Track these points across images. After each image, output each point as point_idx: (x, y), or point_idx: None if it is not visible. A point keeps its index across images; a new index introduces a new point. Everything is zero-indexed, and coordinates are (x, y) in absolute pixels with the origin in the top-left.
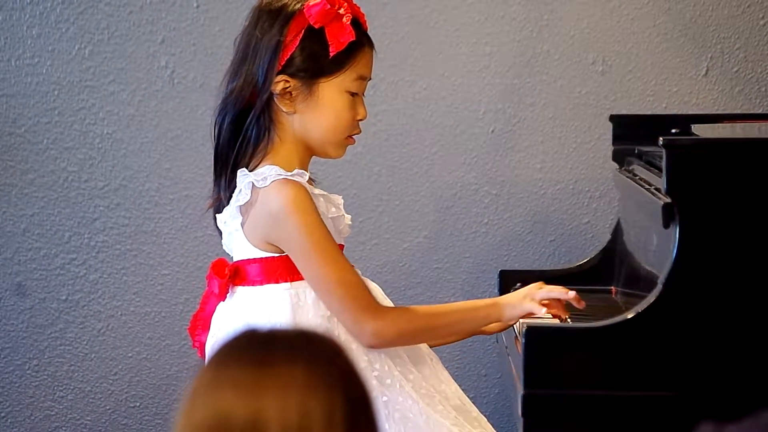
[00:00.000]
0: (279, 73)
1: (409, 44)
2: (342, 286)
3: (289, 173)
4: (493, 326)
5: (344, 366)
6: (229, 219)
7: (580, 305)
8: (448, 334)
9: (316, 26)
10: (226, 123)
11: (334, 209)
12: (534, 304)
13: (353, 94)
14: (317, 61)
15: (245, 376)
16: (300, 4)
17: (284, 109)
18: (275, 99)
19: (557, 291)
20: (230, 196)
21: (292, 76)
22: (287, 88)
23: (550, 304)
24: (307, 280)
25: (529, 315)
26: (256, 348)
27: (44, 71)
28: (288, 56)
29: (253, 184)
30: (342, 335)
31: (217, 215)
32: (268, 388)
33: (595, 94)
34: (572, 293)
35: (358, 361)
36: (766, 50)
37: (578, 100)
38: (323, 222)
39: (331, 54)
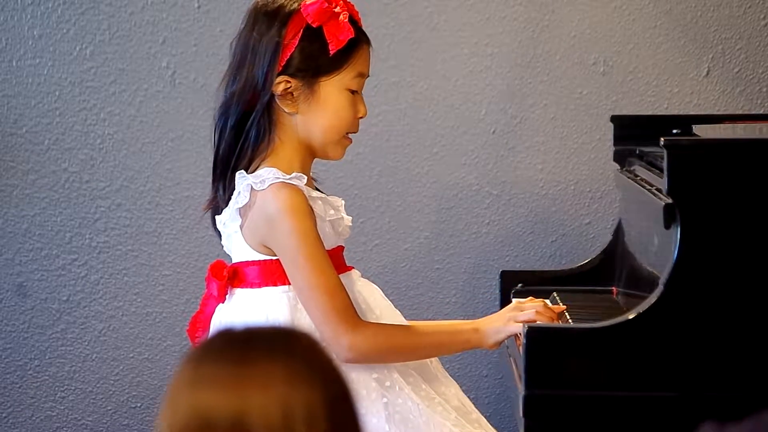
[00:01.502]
0: (279, 74)
1: (410, 45)
2: (325, 295)
3: (287, 176)
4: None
5: (323, 362)
6: (228, 221)
7: (559, 309)
8: (426, 355)
9: (314, 25)
10: (228, 127)
11: (332, 211)
12: (519, 325)
13: (353, 92)
14: (317, 60)
15: (226, 375)
16: (297, 4)
17: (286, 110)
18: (277, 100)
19: (533, 311)
20: (229, 198)
21: (292, 76)
22: (288, 88)
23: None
24: (293, 286)
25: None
26: (235, 346)
27: (45, 72)
28: (288, 57)
29: (251, 186)
30: None
31: (216, 217)
32: (250, 385)
33: (596, 95)
34: (546, 309)
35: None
36: (767, 51)
37: (579, 101)
38: (316, 229)
39: (332, 52)
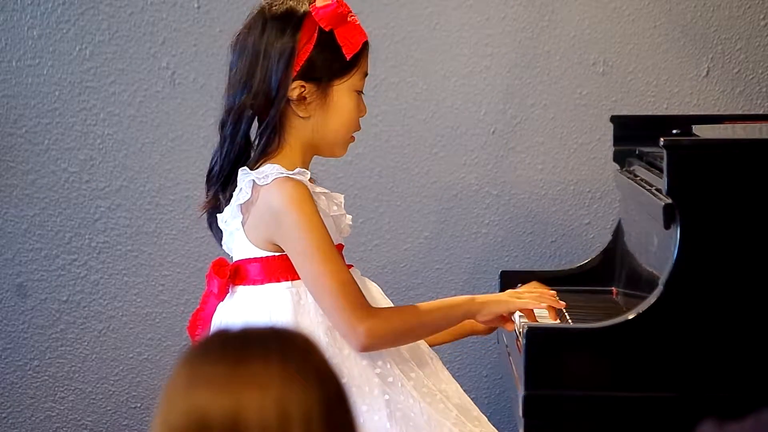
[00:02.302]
0: (294, 79)
1: (410, 45)
2: (337, 285)
3: (291, 171)
4: (486, 326)
5: (319, 362)
6: (229, 218)
7: (560, 305)
8: (433, 331)
9: (326, 29)
10: (240, 136)
11: (335, 207)
12: (520, 303)
13: (359, 92)
14: (332, 65)
15: (221, 375)
16: (307, 6)
17: (301, 114)
18: (292, 105)
19: (533, 295)
20: (230, 196)
21: (307, 80)
22: (302, 93)
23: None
24: (303, 279)
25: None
26: (230, 347)
27: (45, 72)
28: (303, 61)
29: (254, 182)
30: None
31: (217, 215)
32: (246, 386)
33: (596, 95)
34: (544, 305)
35: (360, 359)
36: (766, 51)
37: (579, 101)
38: (322, 221)
39: (348, 56)
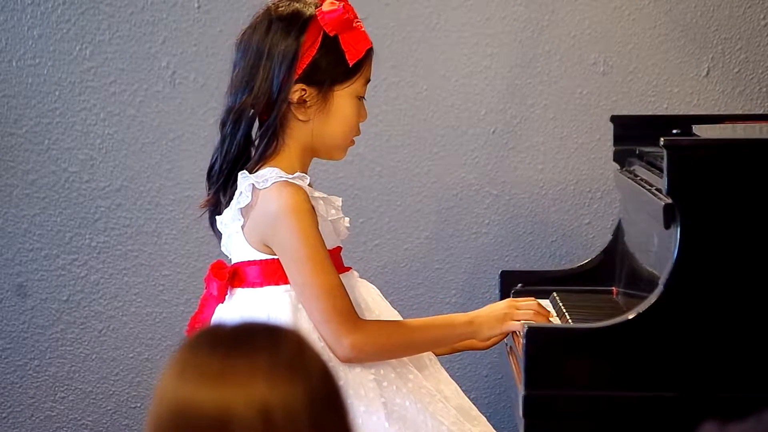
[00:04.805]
0: (296, 81)
1: (411, 45)
2: (327, 295)
3: (290, 176)
4: (485, 343)
5: (309, 359)
6: (229, 221)
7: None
8: (424, 350)
9: (331, 34)
10: (239, 135)
11: (333, 211)
12: (514, 324)
13: (360, 98)
14: (335, 69)
15: (210, 370)
16: (313, 9)
17: (300, 118)
18: (292, 108)
19: (530, 312)
20: (230, 198)
21: (309, 84)
22: (303, 96)
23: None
24: (293, 286)
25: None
26: (221, 342)
27: (45, 72)
28: (305, 65)
29: (253, 185)
30: None
31: (216, 217)
32: (231, 381)
33: (596, 95)
34: (540, 309)
35: (355, 364)
36: (766, 51)
37: (579, 101)
38: (318, 229)
39: (351, 62)
